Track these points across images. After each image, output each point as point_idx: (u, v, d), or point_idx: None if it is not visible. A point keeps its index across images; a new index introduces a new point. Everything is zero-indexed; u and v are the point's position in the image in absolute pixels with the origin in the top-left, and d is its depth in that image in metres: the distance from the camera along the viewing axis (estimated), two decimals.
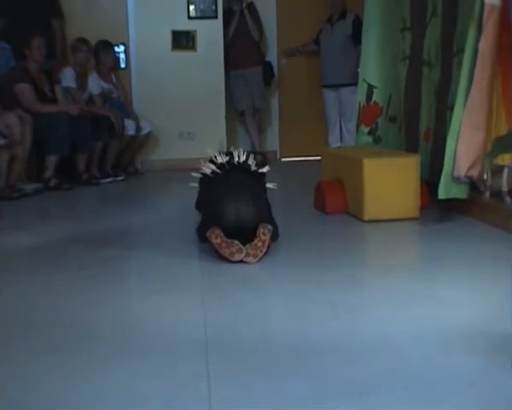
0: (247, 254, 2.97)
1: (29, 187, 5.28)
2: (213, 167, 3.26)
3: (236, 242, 2.97)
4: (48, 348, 2.10)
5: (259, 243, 2.99)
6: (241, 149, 3.38)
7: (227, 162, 3.27)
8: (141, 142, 6.70)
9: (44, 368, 1.94)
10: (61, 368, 1.94)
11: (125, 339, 2.16)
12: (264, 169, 3.33)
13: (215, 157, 3.27)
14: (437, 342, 2.04)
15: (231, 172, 3.25)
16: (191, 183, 3.54)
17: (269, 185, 3.32)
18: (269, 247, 3.04)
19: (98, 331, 2.24)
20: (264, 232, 3.00)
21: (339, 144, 6.86)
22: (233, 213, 3.03)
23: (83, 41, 6.21)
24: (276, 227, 3.24)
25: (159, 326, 2.27)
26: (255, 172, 3.24)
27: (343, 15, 6.76)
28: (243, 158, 3.21)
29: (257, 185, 3.25)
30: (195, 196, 3.73)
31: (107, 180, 6.01)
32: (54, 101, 5.82)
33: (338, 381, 1.79)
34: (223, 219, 3.03)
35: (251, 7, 6.98)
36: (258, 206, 3.12)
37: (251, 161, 3.24)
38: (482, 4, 3.38)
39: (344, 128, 6.81)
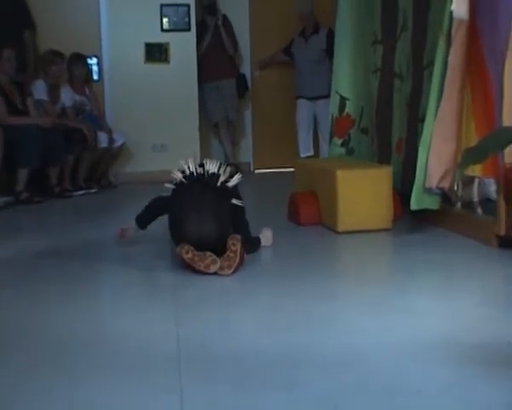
0: (222, 268, 2.96)
1: None
2: (180, 176, 3.21)
3: (209, 253, 2.96)
4: (18, 363, 2.06)
5: (231, 254, 2.98)
6: (214, 161, 3.35)
7: (194, 174, 3.18)
8: (114, 154, 6.66)
9: (14, 383, 1.90)
10: (32, 383, 1.91)
11: (96, 353, 2.14)
12: (232, 182, 3.23)
13: (187, 168, 3.24)
14: (410, 353, 2.05)
15: (194, 186, 3.15)
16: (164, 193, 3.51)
17: (235, 202, 3.20)
18: (242, 257, 3.03)
19: (69, 346, 2.21)
20: (233, 243, 3.00)
21: (309, 154, 6.88)
22: (195, 232, 3.02)
23: (57, 53, 6.15)
24: (257, 240, 3.35)
25: (131, 340, 2.24)
26: (221, 187, 3.16)
27: (316, 30, 6.80)
28: (214, 169, 3.17)
29: (221, 200, 3.15)
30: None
31: (80, 193, 5.96)
32: (25, 113, 5.75)
33: (311, 393, 1.79)
34: (186, 238, 3.02)
35: (225, 20, 6.99)
36: (220, 222, 3.08)
37: (222, 172, 3.21)
38: (451, 19, 3.44)
39: (321, 139, 6.84)
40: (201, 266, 2.94)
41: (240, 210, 3.28)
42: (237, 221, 3.26)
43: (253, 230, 3.45)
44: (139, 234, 3.55)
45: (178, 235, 3.09)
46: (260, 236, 3.52)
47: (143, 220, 3.53)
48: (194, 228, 3.02)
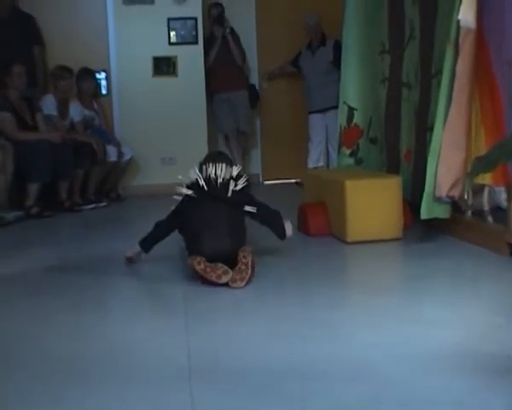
0: (234, 280, 2.96)
1: (10, 215, 5.22)
2: (185, 191, 3.20)
3: (221, 264, 2.97)
4: (28, 377, 2.06)
5: (243, 267, 2.99)
6: (222, 158, 3.34)
7: (204, 187, 3.17)
8: (123, 168, 6.68)
9: (25, 398, 1.91)
10: (42, 393, 1.91)
11: (107, 367, 2.14)
12: (240, 185, 3.22)
13: (196, 179, 3.23)
14: (422, 364, 2.04)
15: (206, 201, 3.15)
16: (172, 206, 3.51)
17: (248, 209, 3.23)
18: (253, 269, 3.04)
19: (80, 359, 2.21)
20: (244, 255, 3.01)
21: (319, 164, 6.89)
22: (210, 248, 3.03)
23: (65, 69, 6.20)
24: (276, 213, 3.37)
25: (142, 353, 2.24)
26: (232, 197, 3.17)
27: (323, 42, 6.82)
28: (222, 174, 3.18)
29: (234, 211, 3.17)
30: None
31: (90, 207, 5.97)
32: (35, 129, 5.79)
33: (322, 406, 1.78)
34: (201, 253, 3.03)
35: (232, 32, 7.03)
36: (235, 234, 3.12)
37: (230, 174, 3.21)
38: (458, 27, 3.44)
39: (331, 150, 6.84)
40: (213, 277, 2.95)
41: (257, 207, 3.29)
42: (260, 216, 3.30)
43: (263, 237, 3.44)
44: (144, 256, 3.53)
45: (193, 249, 3.09)
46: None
47: (149, 243, 3.48)
48: (210, 245, 3.04)
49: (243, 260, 3.00)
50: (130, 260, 3.54)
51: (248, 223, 3.31)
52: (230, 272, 2.95)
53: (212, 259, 3.00)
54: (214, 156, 3.48)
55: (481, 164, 1.88)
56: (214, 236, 3.05)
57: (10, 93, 5.68)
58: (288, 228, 3.43)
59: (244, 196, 3.27)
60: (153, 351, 2.25)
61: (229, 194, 3.16)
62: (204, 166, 3.29)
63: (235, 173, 3.24)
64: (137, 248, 3.49)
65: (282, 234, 3.38)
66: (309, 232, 4.15)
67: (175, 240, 4.04)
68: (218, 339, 2.35)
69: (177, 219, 3.34)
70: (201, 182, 3.18)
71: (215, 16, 6.93)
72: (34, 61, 6.37)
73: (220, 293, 2.91)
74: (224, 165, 3.24)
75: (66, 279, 3.35)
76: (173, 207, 3.36)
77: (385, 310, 2.62)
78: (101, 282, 3.31)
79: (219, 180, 3.18)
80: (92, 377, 2.06)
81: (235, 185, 3.20)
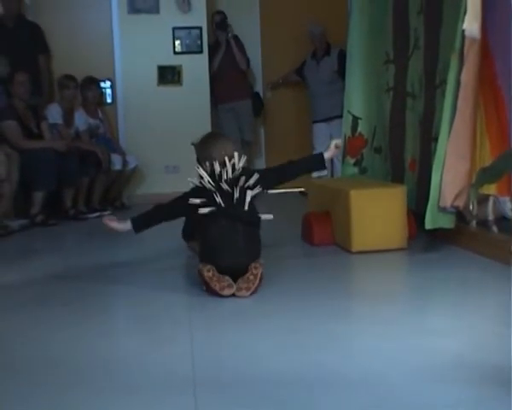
0: (240, 289, 2.97)
1: (15, 224, 5.24)
2: (205, 210, 3.09)
3: (227, 277, 2.98)
4: (32, 385, 2.06)
5: (251, 277, 3.00)
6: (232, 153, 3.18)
7: (221, 204, 3.07)
8: (127, 176, 6.70)
9: (28, 404, 1.90)
10: (46, 404, 1.90)
11: (112, 375, 2.13)
12: (255, 191, 3.14)
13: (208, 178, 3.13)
14: (427, 373, 2.03)
15: (223, 219, 3.07)
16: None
17: (265, 217, 3.18)
18: (261, 280, 3.04)
19: (84, 368, 2.21)
20: (255, 266, 3.03)
21: (322, 174, 6.89)
22: (227, 264, 3.02)
23: (70, 78, 6.23)
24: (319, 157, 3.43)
25: (146, 361, 2.24)
26: (249, 210, 3.11)
27: (327, 51, 6.84)
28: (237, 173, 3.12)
29: (251, 226, 3.13)
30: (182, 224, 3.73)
31: (94, 215, 5.98)
32: (40, 137, 5.81)
33: None
34: (217, 266, 3.02)
35: (236, 38, 7.07)
36: (253, 250, 3.11)
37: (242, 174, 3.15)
38: (463, 37, 3.44)
39: (335, 159, 6.84)
40: (217, 287, 2.95)
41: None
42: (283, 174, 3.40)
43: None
44: (131, 236, 3.38)
45: (208, 260, 3.06)
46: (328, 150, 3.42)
47: (142, 222, 3.32)
48: (227, 262, 3.02)
49: (253, 270, 3.01)
50: (109, 227, 3.34)
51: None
52: (234, 288, 2.96)
53: (225, 272, 3.01)
54: (219, 146, 3.25)
55: (486, 175, 1.88)
56: (232, 253, 3.03)
57: (15, 102, 5.71)
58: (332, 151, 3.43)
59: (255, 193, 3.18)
60: (157, 360, 2.25)
61: (246, 207, 3.10)
62: (211, 164, 3.16)
63: (252, 182, 3.15)
64: (128, 224, 3.31)
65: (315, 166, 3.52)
66: (313, 242, 4.15)
67: (180, 249, 4.05)
68: (222, 349, 2.35)
69: (179, 207, 3.26)
70: (218, 199, 3.08)
71: (217, 22, 6.97)
72: (39, 70, 6.40)
73: (225, 302, 2.91)
74: (234, 158, 3.15)
75: (71, 287, 3.36)
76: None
77: (390, 320, 2.61)
78: (105, 290, 3.31)
79: (235, 192, 3.09)
80: (95, 385, 2.06)
81: (251, 191, 3.14)
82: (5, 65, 5.97)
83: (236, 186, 3.13)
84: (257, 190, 3.17)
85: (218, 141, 3.30)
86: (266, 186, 3.27)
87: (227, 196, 3.11)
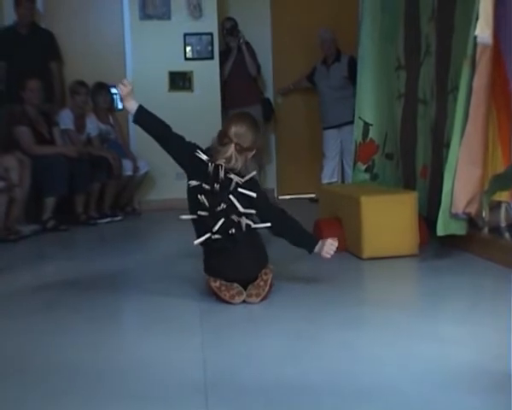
0: (250, 295, 2.97)
1: (27, 229, 5.27)
2: (194, 183, 2.99)
3: (236, 284, 2.98)
4: (44, 392, 2.07)
5: (261, 283, 3.00)
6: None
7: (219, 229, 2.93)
8: (138, 182, 6.72)
9: None
10: None
11: (123, 382, 2.14)
12: (252, 193, 2.99)
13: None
14: (438, 382, 2.02)
15: (224, 241, 2.97)
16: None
17: (262, 225, 3.06)
18: (271, 286, 3.04)
19: (95, 374, 2.21)
20: (265, 272, 3.03)
21: (333, 180, 6.89)
22: (236, 277, 3.00)
23: (81, 84, 6.26)
24: (311, 237, 3.20)
25: (157, 368, 2.24)
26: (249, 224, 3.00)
27: (338, 57, 6.83)
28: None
29: (253, 234, 3.05)
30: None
31: (105, 220, 6.01)
32: (52, 143, 5.85)
33: None
34: (225, 278, 3.01)
35: (247, 45, 7.09)
36: (260, 258, 3.08)
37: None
38: (475, 44, 3.43)
39: (346, 165, 6.85)
40: (227, 296, 2.95)
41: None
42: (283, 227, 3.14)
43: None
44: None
45: (214, 275, 3.03)
46: (320, 242, 3.14)
47: (147, 116, 3.16)
48: (234, 276, 3.00)
49: (264, 276, 3.01)
50: (121, 88, 3.11)
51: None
52: (244, 294, 2.95)
53: (234, 281, 3.00)
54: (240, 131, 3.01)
55: (499, 182, 1.87)
56: (237, 270, 3.00)
57: (28, 108, 5.75)
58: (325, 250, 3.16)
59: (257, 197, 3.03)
60: (169, 367, 2.25)
61: (247, 222, 2.98)
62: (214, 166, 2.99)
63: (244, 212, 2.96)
64: (134, 107, 3.11)
65: (302, 243, 3.18)
66: None
67: (190, 255, 4.05)
68: (234, 355, 2.35)
69: (181, 149, 3.13)
70: (219, 225, 2.95)
71: (228, 28, 6.99)
72: (52, 77, 6.44)
73: (236, 309, 2.91)
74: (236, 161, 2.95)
75: (82, 294, 3.36)
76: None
77: (401, 327, 2.60)
78: (117, 296, 3.31)
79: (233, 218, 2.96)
80: (106, 393, 2.06)
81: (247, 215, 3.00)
82: (3, 69, 6.09)
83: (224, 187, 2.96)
84: (252, 193, 3.00)
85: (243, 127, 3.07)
86: (258, 214, 3.08)
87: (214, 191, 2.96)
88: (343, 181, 6.92)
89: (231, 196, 2.96)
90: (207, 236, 2.97)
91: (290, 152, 7.54)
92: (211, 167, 2.97)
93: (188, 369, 2.21)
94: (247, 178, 3.02)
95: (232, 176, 2.98)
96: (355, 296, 3.19)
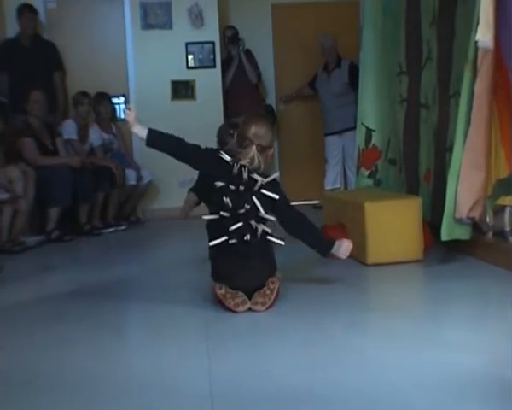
0: (256, 303, 2.96)
1: (31, 240, 5.27)
2: (220, 184, 3.01)
3: (241, 293, 2.98)
4: (49, 402, 2.07)
5: (268, 292, 2.99)
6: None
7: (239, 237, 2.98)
8: (142, 191, 6.72)
9: None
10: None
11: (128, 392, 2.13)
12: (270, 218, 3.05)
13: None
14: (447, 389, 2.00)
15: (239, 249, 3.00)
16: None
17: (277, 241, 3.09)
18: (277, 295, 3.04)
19: (101, 385, 2.21)
20: (272, 281, 3.03)
21: (335, 186, 6.89)
22: (242, 285, 3.00)
23: (84, 94, 6.28)
24: (328, 242, 3.22)
25: (162, 378, 2.23)
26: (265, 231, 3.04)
27: (338, 63, 6.84)
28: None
29: (267, 244, 3.08)
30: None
31: (109, 230, 6.01)
32: (55, 153, 5.86)
33: None
34: (230, 286, 3.00)
35: (248, 52, 7.10)
36: (268, 268, 3.08)
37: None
38: (476, 48, 3.44)
39: (349, 171, 6.84)
40: (231, 304, 2.95)
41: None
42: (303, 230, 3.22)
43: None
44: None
45: (222, 281, 3.03)
46: (336, 244, 3.22)
47: (159, 138, 3.19)
48: (243, 284, 3.00)
49: (270, 285, 3.01)
50: (127, 118, 3.15)
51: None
52: (248, 303, 2.96)
53: (240, 288, 3.00)
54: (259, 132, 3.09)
55: (502, 187, 1.87)
56: (245, 277, 3.00)
57: (31, 119, 5.77)
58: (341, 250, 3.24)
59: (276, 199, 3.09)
60: (174, 376, 2.24)
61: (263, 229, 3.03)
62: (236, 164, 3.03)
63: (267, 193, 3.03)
64: (144, 132, 3.13)
65: (321, 249, 3.25)
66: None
67: (194, 263, 4.05)
68: (239, 365, 2.34)
69: (199, 157, 3.13)
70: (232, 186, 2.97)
71: (229, 36, 7.02)
72: (55, 88, 6.47)
73: (241, 317, 2.91)
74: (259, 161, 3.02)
75: (87, 304, 3.36)
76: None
77: (408, 334, 2.59)
78: (121, 306, 3.31)
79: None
80: (112, 402, 2.06)
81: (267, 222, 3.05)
82: (6, 81, 6.13)
83: (250, 188, 3.02)
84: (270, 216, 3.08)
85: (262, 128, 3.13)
86: (278, 216, 3.17)
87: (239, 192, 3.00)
88: (346, 187, 6.92)
89: (254, 198, 3.01)
90: (224, 238, 3.00)
91: (292, 159, 7.54)
92: (236, 168, 3.02)
93: (193, 378, 2.21)
94: (269, 179, 3.09)
95: (256, 176, 3.05)
96: (361, 303, 3.18)
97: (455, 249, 3.92)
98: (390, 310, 3.01)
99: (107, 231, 5.99)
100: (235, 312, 2.94)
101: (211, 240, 3.08)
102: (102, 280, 3.93)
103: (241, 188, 3.01)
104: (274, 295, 3.00)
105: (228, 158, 3.06)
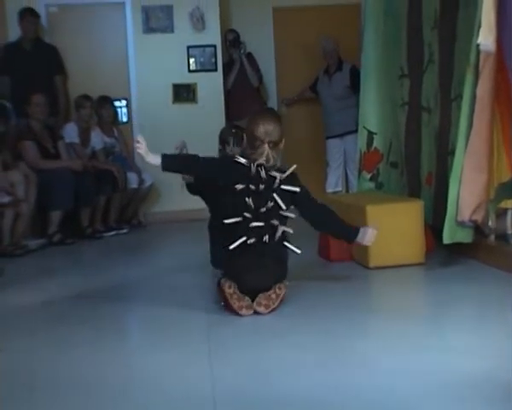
0: (259, 304, 2.96)
1: (33, 243, 5.28)
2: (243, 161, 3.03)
3: (247, 298, 2.98)
4: (50, 403, 2.07)
5: (273, 296, 3.00)
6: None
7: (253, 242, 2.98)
8: (143, 194, 6.72)
9: None
10: None
11: (130, 396, 2.13)
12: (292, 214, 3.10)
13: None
14: (452, 393, 2.00)
15: (253, 253, 3.01)
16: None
17: (293, 248, 3.13)
18: (282, 301, 3.04)
19: (102, 386, 2.21)
20: (279, 287, 3.03)
21: (337, 189, 6.89)
22: (252, 287, 3.00)
23: (86, 97, 6.29)
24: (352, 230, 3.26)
25: (165, 382, 2.23)
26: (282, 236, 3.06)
27: (340, 66, 6.84)
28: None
29: (281, 246, 3.09)
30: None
31: (111, 233, 6.01)
32: (57, 157, 5.86)
33: None
34: (240, 286, 3.00)
35: (249, 56, 7.11)
36: (279, 272, 3.07)
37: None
38: (478, 51, 3.44)
39: (350, 174, 6.84)
40: (235, 305, 2.95)
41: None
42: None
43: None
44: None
45: (232, 279, 3.03)
46: (361, 231, 3.25)
47: (176, 165, 3.23)
48: (252, 286, 3.00)
49: (277, 290, 3.01)
50: (138, 147, 3.12)
51: None
52: (252, 309, 2.96)
53: (247, 292, 3.00)
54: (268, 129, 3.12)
55: (505, 190, 1.87)
56: (257, 277, 3.00)
57: (32, 122, 5.77)
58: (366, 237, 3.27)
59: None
60: (177, 380, 2.24)
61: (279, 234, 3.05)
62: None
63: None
64: (158, 159, 3.12)
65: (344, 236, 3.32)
66: (330, 257, 4.13)
67: (196, 266, 4.05)
68: (241, 367, 2.34)
69: (215, 169, 3.12)
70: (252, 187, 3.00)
71: (230, 40, 7.03)
72: (56, 91, 6.47)
73: (244, 321, 2.91)
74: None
75: (89, 307, 3.36)
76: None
77: (411, 337, 2.59)
78: (124, 309, 3.31)
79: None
80: (114, 406, 2.05)
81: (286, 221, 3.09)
82: (7, 84, 6.13)
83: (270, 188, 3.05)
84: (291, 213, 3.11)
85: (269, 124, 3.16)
86: (301, 209, 3.20)
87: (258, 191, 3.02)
88: (347, 190, 6.91)
89: (275, 195, 3.05)
90: (243, 239, 3.00)
91: (294, 162, 7.42)
92: (254, 168, 3.04)
93: (196, 382, 2.21)
94: (287, 173, 3.14)
95: (274, 173, 3.08)
96: (363, 306, 3.18)
97: (457, 252, 3.91)
98: (392, 313, 3.01)
99: (108, 234, 5.98)
100: (237, 314, 2.93)
101: (224, 243, 3.07)
102: (104, 283, 3.93)
103: (262, 187, 3.04)
104: (278, 301, 3.00)
105: (243, 160, 3.07)
